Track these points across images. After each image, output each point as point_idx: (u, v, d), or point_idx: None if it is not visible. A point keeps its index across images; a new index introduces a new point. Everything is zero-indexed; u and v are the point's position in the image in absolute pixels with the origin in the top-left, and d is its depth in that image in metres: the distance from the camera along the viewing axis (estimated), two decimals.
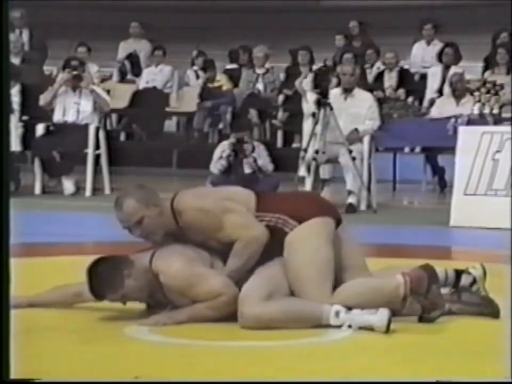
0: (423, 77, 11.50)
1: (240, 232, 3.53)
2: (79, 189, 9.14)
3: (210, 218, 3.54)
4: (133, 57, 12.97)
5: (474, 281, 3.76)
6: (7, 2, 1.93)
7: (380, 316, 3.41)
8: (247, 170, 8.51)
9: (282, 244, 3.57)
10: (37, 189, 9.13)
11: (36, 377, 2.55)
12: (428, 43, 11.96)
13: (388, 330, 3.39)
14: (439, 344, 3.33)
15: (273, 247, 3.57)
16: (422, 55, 11.94)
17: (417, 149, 10.46)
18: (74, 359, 3.07)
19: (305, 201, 3.74)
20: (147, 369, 2.91)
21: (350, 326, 3.44)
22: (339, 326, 3.44)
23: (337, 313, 3.44)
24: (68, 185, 9.12)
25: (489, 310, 3.67)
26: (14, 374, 2.00)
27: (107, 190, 9.26)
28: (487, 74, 10.61)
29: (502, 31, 11.19)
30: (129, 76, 12.91)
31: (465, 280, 3.76)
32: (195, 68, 12.67)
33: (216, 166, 8.59)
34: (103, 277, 3.45)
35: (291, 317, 3.44)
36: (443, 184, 10.02)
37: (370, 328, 3.41)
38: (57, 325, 3.56)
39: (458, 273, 3.78)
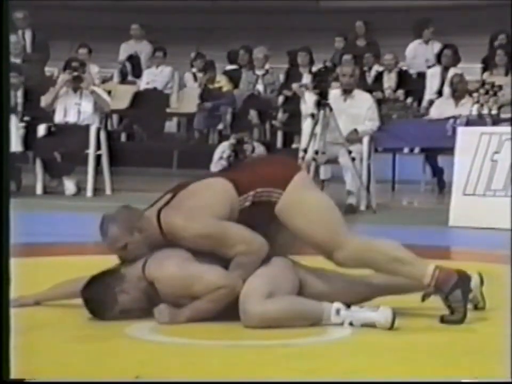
0: (420, 75, 11.54)
1: (241, 247, 3.50)
2: (80, 189, 9.17)
3: (211, 241, 3.51)
4: (133, 59, 13.00)
5: (470, 290, 3.77)
6: (8, 3, 1.93)
7: (383, 313, 3.42)
8: None
9: (272, 214, 3.55)
10: (38, 189, 9.16)
11: (35, 377, 2.55)
12: (426, 42, 11.99)
13: (392, 327, 3.40)
14: (439, 344, 3.33)
15: (263, 219, 3.55)
16: (423, 54, 11.95)
17: (416, 150, 10.50)
18: (74, 358, 3.07)
19: (278, 166, 3.67)
20: (148, 369, 2.91)
21: (351, 324, 3.45)
22: (340, 324, 3.45)
23: (337, 311, 3.45)
24: (69, 185, 9.15)
25: (454, 316, 3.57)
26: (14, 374, 2.01)
27: (108, 191, 9.30)
28: (485, 75, 10.63)
29: (500, 33, 11.21)
30: (130, 77, 12.94)
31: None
32: (194, 70, 12.71)
33: (216, 166, 8.63)
34: (96, 299, 3.50)
35: (293, 315, 3.45)
36: (442, 185, 10.04)
37: (372, 325, 3.42)
38: (57, 324, 3.56)
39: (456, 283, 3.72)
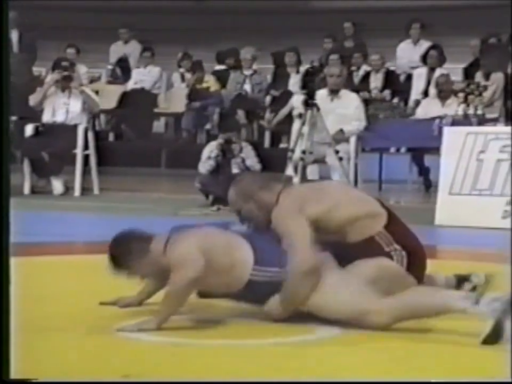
0: (409, 77, 11.60)
1: (292, 254, 3.44)
2: (68, 189, 9.18)
3: (285, 237, 3.49)
4: (122, 62, 13.06)
5: (474, 288, 3.76)
6: (7, 2, 1.95)
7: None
8: (235, 170, 8.56)
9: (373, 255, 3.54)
10: (26, 189, 9.16)
11: (32, 377, 2.57)
12: (414, 43, 12.05)
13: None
14: (435, 343, 3.33)
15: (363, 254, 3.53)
16: (409, 55, 12.03)
17: (403, 149, 10.55)
18: (67, 358, 3.09)
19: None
20: (138, 368, 2.93)
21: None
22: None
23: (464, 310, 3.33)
24: (57, 185, 9.16)
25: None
26: (13, 374, 2.03)
27: (96, 190, 9.31)
28: (478, 75, 10.64)
29: (490, 34, 11.25)
30: (120, 81, 12.99)
31: (465, 287, 3.78)
32: (181, 70, 12.75)
33: (204, 166, 8.64)
34: (116, 255, 3.54)
35: (416, 313, 3.41)
36: (428, 184, 10.10)
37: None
38: (49, 324, 3.56)
39: (460, 280, 3.81)
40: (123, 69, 12.98)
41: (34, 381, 2.33)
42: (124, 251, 3.55)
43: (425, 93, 10.87)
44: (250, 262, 3.50)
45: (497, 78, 10.13)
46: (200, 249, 3.44)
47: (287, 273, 3.46)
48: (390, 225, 3.58)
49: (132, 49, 13.29)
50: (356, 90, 9.85)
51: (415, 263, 3.61)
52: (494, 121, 9.39)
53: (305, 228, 3.48)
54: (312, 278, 3.44)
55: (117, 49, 13.35)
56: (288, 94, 10.88)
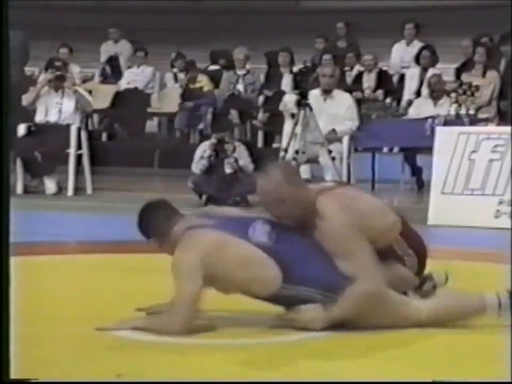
0: (402, 77, 11.64)
1: (359, 275, 3.37)
2: (61, 188, 9.19)
3: (336, 247, 3.40)
4: (113, 61, 13.06)
5: (434, 287, 3.82)
6: (7, 2, 1.96)
7: None
8: (228, 170, 8.57)
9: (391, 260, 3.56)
10: (19, 189, 9.16)
11: (32, 377, 2.55)
12: (408, 44, 12.09)
13: None
14: (430, 342, 3.35)
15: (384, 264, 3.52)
16: (402, 56, 12.07)
17: (396, 149, 10.57)
18: (64, 357, 3.09)
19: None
20: (131, 368, 2.93)
21: None
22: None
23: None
24: (50, 185, 9.17)
25: None
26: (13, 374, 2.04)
27: (89, 190, 9.32)
28: (464, 76, 10.68)
29: (483, 34, 11.29)
30: (110, 80, 12.99)
31: (426, 286, 3.82)
32: (174, 70, 12.77)
33: (197, 166, 8.65)
34: (144, 219, 3.50)
35: (454, 315, 3.52)
36: (421, 184, 10.13)
37: None
38: (46, 324, 3.56)
39: (422, 279, 3.82)
40: (113, 67, 12.98)
41: (34, 381, 2.34)
42: (146, 220, 3.49)
43: (418, 93, 10.91)
44: (276, 281, 3.38)
45: (494, 77, 10.18)
46: (202, 262, 3.32)
47: (327, 293, 3.38)
48: (403, 230, 3.62)
49: (122, 48, 13.30)
50: (349, 90, 9.88)
51: (422, 265, 3.67)
52: (486, 121, 9.43)
53: (369, 250, 3.41)
54: (374, 303, 3.41)
55: (107, 49, 13.36)
56: (281, 94, 10.90)
